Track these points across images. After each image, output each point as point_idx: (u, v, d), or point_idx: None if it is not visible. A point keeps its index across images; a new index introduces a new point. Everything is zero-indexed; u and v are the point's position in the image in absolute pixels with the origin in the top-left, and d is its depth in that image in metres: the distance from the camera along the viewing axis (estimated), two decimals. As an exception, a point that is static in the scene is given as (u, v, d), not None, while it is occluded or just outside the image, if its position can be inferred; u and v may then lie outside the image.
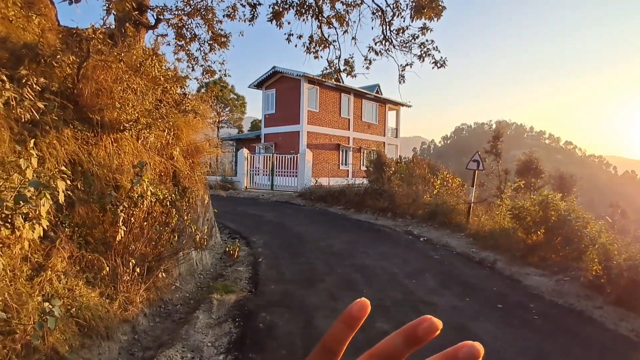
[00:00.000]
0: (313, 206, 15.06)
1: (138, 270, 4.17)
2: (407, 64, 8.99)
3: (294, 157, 19.49)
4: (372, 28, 8.97)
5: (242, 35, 9.25)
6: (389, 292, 5.50)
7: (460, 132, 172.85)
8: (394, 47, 8.84)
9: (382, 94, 27.18)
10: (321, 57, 9.39)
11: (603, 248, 5.72)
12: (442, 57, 8.64)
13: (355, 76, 9.58)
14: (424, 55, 8.66)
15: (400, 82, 9.23)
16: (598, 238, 6.32)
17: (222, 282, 5.72)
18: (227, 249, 7.35)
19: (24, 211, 2.40)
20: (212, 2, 8.22)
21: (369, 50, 9.18)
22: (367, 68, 9.51)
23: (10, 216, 2.34)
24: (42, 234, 2.74)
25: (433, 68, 8.71)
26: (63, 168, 2.89)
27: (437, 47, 8.59)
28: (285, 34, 9.04)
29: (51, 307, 2.61)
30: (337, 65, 9.51)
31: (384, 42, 8.93)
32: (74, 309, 3.28)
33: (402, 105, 28.27)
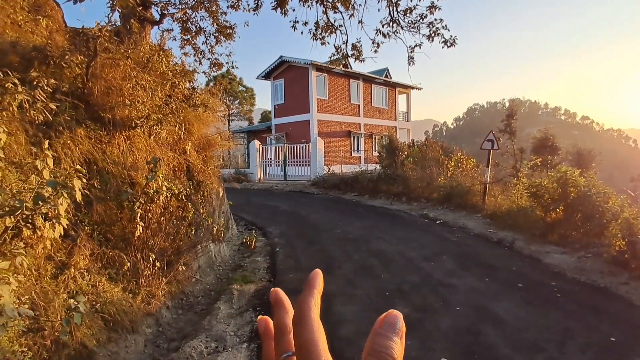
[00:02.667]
0: (327, 194, 15.07)
1: (158, 264, 4.24)
2: (416, 45, 8.81)
3: (305, 146, 19.46)
4: (379, 10, 8.79)
5: (247, 25, 9.19)
6: (407, 276, 5.49)
7: (473, 112, 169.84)
8: (401, 28, 8.66)
9: (391, 78, 26.81)
10: (328, 43, 9.27)
11: (626, 223, 5.57)
12: (451, 36, 8.44)
13: (363, 61, 9.44)
14: (433, 35, 8.46)
15: (409, 64, 9.07)
16: (620, 213, 6.17)
17: (241, 272, 5.79)
18: (244, 240, 7.41)
19: (44, 211, 2.44)
20: (215, -7, 8.16)
21: (376, 33, 9.02)
22: (375, 52, 9.36)
23: (30, 216, 2.39)
24: (62, 233, 2.79)
25: (443, 47, 8.52)
26: (78, 167, 2.92)
27: (446, 25, 8.39)
28: (290, 21, 8.93)
29: (76, 303, 2.68)
30: (344, 50, 9.37)
31: (391, 23, 8.76)
32: (98, 305, 3.36)
33: (413, 88, 27.85)
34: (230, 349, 3.63)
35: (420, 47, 8.85)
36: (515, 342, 3.65)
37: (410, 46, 8.93)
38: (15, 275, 2.46)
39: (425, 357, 3.40)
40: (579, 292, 4.93)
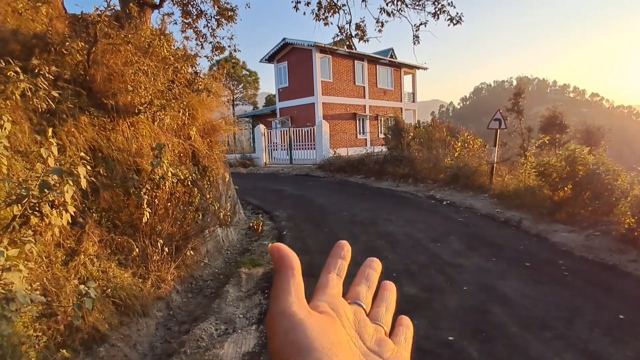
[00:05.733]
0: (333, 177, 15.05)
1: (167, 249, 4.28)
2: (421, 23, 8.63)
3: (310, 129, 19.36)
4: (383, -13, 8.58)
5: (249, 7, 9.03)
6: (415, 257, 5.50)
7: (480, 92, 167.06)
8: (406, 6, 8.46)
9: (396, 59, 26.37)
10: (331, 23, 9.09)
11: (636, 200, 5.51)
12: (457, 13, 8.25)
13: (367, 41, 9.29)
14: (438, 12, 8.27)
15: (414, 43, 8.90)
16: (630, 190, 6.09)
17: (249, 256, 5.84)
18: (251, 225, 7.46)
19: (50, 198, 2.45)
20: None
21: (380, 11, 8.82)
22: (380, 31, 9.18)
23: (37, 204, 2.40)
24: (70, 220, 2.82)
25: (449, 25, 8.33)
26: (83, 154, 2.93)
27: (452, 2, 8.19)
28: (292, 1, 8.76)
29: (87, 289, 2.71)
30: (348, 30, 9.21)
31: (395, 1, 8.56)
32: (109, 290, 3.41)
33: (418, 68, 27.42)
34: (239, 331, 3.69)
35: (425, 26, 8.68)
36: (524, 320, 3.66)
37: (415, 25, 8.76)
38: (26, 262, 2.50)
39: (434, 336, 3.43)
40: (587, 270, 4.92)
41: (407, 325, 0.41)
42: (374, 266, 0.44)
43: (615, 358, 3.05)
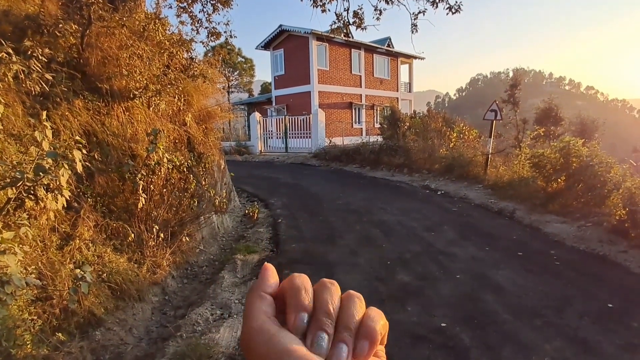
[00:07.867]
0: (328, 166, 15.05)
1: (162, 235, 4.28)
2: (419, 12, 8.56)
3: (306, 118, 19.28)
4: (381, -26, 8.48)
5: (245, -8, 8.89)
6: (409, 246, 5.55)
7: (476, 83, 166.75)
8: (404, -7, 8.37)
9: (393, 48, 26.18)
10: (329, 10, 8.97)
11: (628, 192, 5.57)
12: (456, 2, 8.18)
13: (365, 29, 9.18)
14: (437, 0, 8.20)
15: (412, 32, 8.84)
16: (622, 182, 6.16)
17: (244, 243, 5.86)
18: (246, 212, 7.46)
19: (45, 182, 2.43)
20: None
21: (378, -1, 8.73)
22: (378, 19, 9.08)
23: (32, 187, 2.38)
24: (65, 205, 2.80)
25: (447, 14, 8.27)
26: (78, 138, 2.90)
27: (451, -10, 8.11)
28: (289, -13, 8.63)
29: (83, 273, 2.72)
30: (346, 18, 9.10)
31: (394, -11, 8.47)
32: (105, 274, 3.41)
33: (415, 57, 27.23)
34: (235, 316, 3.71)
35: (424, 14, 8.60)
36: (515, 308, 3.72)
37: (413, 13, 8.69)
38: (21, 245, 2.49)
39: (426, 323, 3.48)
40: (578, 260, 4.99)
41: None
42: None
43: (604, 345, 3.12)
